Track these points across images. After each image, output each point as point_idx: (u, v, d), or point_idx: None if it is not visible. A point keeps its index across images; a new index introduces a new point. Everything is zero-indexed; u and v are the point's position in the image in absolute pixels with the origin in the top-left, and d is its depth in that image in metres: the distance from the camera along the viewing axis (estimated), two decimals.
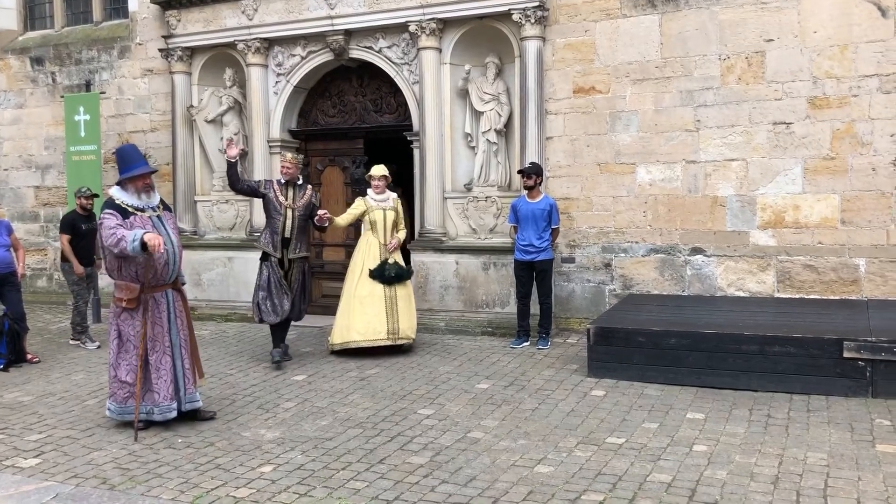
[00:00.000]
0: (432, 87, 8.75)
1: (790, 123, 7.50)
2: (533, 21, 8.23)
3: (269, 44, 9.67)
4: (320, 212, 7.37)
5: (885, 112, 7.17)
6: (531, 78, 8.34)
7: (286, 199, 7.33)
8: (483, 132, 8.75)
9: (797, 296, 7.54)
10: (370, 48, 9.19)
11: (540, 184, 7.81)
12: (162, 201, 5.68)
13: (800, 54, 7.45)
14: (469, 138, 8.88)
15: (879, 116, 7.20)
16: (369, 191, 7.80)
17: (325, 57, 9.46)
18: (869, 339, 5.84)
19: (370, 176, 7.79)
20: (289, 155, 7.56)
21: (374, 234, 7.66)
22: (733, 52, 7.69)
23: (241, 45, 9.66)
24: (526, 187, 7.81)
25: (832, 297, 7.39)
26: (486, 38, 8.73)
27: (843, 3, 7.26)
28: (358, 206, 7.73)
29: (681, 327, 6.47)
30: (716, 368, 6.20)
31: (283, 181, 7.41)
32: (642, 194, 8.15)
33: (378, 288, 7.54)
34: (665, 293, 8.04)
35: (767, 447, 4.89)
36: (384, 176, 7.74)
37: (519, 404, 5.96)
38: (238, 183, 7.31)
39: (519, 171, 8.01)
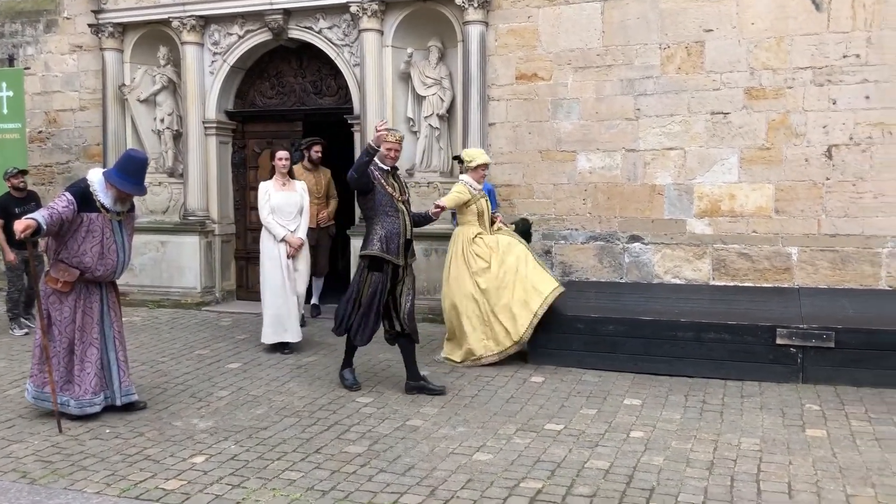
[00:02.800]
0: (374, 69, 8.61)
1: (727, 113, 7.60)
2: (476, 5, 8.15)
3: (206, 22, 9.37)
4: (439, 202, 6.33)
5: (818, 104, 7.32)
6: (474, 63, 8.26)
7: (395, 192, 5.92)
8: (425, 117, 8.65)
9: (732, 283, 7.67)
10: (310, 28, 8.99)
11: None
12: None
13: (738, 45, 7.55)
14: (411, 123, 8.77)
15: (813, 108, 7.35)
16: (467, 177, 6.77)
17: (263, 37, 9.21)
18: (800, 326, 5.98)
19: (485, 165, 6.81)
20: (398, 134, 6.08)
21: (480, 223, 6.79)
22: (673, 41, 7.75)
23: (175, 23, 9.34)
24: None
25: (766, 285, 7.54)
26: (429, 21, 8.61)
27: None
28: (462, 191, 6.65)
29: (618, 314, 6.52)
30: (652, 355, 6.27)
31: (386, 169, 5.94)
32: (583, 182, 8.17)
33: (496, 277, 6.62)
34: (604, 280, 8.09)
35: (703, 433, 4.96)
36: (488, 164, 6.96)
37: (458, 391, 5.92)
38: (364, 178, 5.74)
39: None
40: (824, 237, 7.39)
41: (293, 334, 7.16)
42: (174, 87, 9.76)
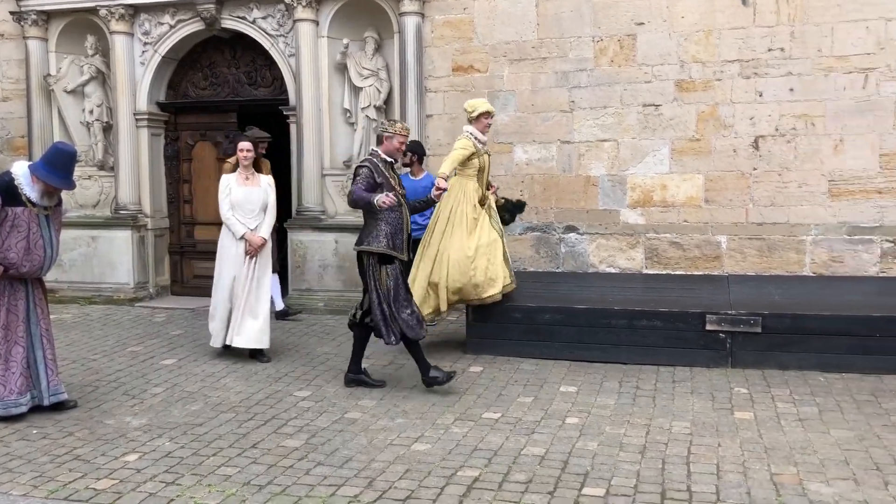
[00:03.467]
0: (309, 60, 8.52)
1: (659, 105, 7.77)
2: None
3: (135, 10, 9.12)
4: (440, 182, 5.82)
5: (745, 96, 7.53)
6: (410, 55, 8.25)
7: (396, 185, 5.74)
8: (362, 108, 8.61)
9: (664, 272, 7.86)
10: (243, 18, 8.84)
11: (420, 162, 7.76)
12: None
13: (668, 38, 7.71)
14: (348, 114, 8.72)
15: (740, 100, 7.56)
16: (472, 128, 6.37)
17: (195, 26, 9.02)
18: (729, 312, 6.16)
19: (487, 112, 6.36)
20: (400, 124, 5.94)
21: (479, 181, 6.50)
22: (606, 34, 7.87)
23: (103, 11, 9.07)
24: (405, 164, 7.74)
25: (696, 273, 7.74)
26: (364, 12, 8.56)
27: None
28: (466, 146, 6.21)
29: (555, 303, 6.62)
30: (587, 342, 6.38)
31: (390, 161, 5.78)
32: (519, 173, 8.25)
33: (496, 234, 6.49)
34: (541, 270, 8.19)
35: (636, 418, 5.07)
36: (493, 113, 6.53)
37: (398, 383, 5.93)
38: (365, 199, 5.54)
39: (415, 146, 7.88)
40: (752, 226, 7.62)
41: (247, 339, 6.46)
42: (103, 78, 9.49)
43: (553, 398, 5.50)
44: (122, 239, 9.26)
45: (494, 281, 6.41)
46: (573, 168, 8.08)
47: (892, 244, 7.29)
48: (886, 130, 7.21)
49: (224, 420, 5.15)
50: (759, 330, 6.05)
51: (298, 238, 8.69)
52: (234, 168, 6.77)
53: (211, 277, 9.46)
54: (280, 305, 8.16)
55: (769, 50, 7.45)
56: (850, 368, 5.86)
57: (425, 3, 8.29)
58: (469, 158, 6.28)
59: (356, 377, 5.85)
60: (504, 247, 6.56)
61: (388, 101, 8.58)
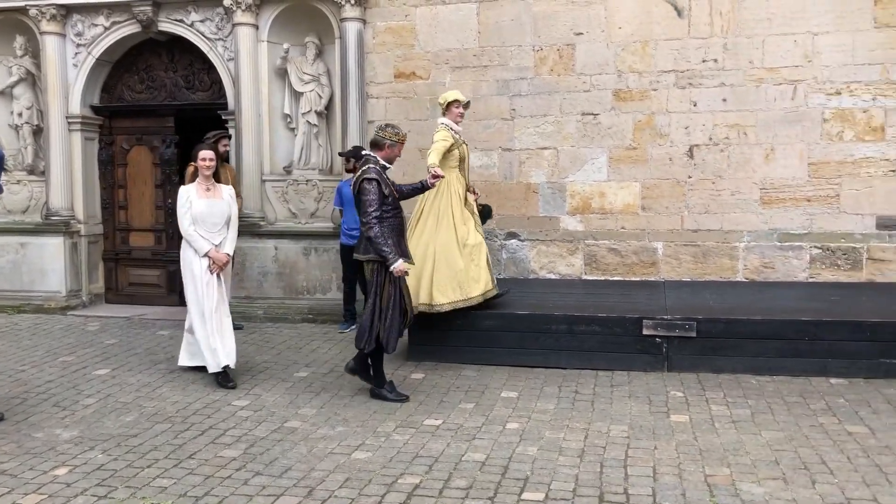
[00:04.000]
0: (249, 65, 8.42)
1: (597, 114, 7.89)
2: (353, 2, 8.11)
3: (67, 11, 8.88)
4: (436, 170, 5.78)
5: (680, 106, 7.71)
6: (352, 60, 8.22)
7: (394, 190, 5.68)
8: (303, 113, 8.54)
9: (602, 278, 7.98)
10: (181, 21, 8.68)
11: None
12: None
13: (606, 48, 7.85)
14: (289, 119, 8.64)
15: (675, 110, 7.74)
16: (446, 119, 6.37)
17: (131, 28, 8.83)
18: (665, 317, 6.29)
19: (456, 101, 6.36)
20: (403, 132, 5.87)
21: (461, 172, 6.45)
22: (546, 43, 7.97)
23: (33, 11, 8.81)
24: (347, 171, 7.71)
25: (634, 279, 7.88)
26: (305, 16, 8.50)
27: (644, 1, 7.71)
28: (446, 137, 6.19)
29: (496, 309, 6.65)
30: (528, 348, 6.43)
31: (389, 167, 5.71)
32: None
33: (482, 238, 6.46)
34: None
35: (575, 422, 5.14)
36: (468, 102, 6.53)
37: (338, 391, 5.88)
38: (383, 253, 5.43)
39: (340, 154, 7.91)
40: (687, 232, 7.80)
41: (223, 356, 6.00)
42: (33, 80, 9.22)
43: (494, 404, 5.53)
44: (54, 246, 8.99)
45: (477, 282, 6.38)
46: (514, 175, 8.15)
47: (821, 250, 7.54)
48: (814, 140, 7.47)
49: (159, 431, 5.04)
50: (693, 334, 6.19)
51: (237, 245, 8.53)
52: (194, 178, 6.22)
53: (148, 285, 9.38)
54: None
55: (703, 61, 7.65)
56: (781, 371, 6.04)
57: (367, 10, 8.27)
58: (449, 150, 6.26)
59: (380, 391, 5.68)
60: (486, 252, 6.54)
61: (329, 106, 8.53)
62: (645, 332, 6.27)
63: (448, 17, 8.16)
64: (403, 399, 5.60)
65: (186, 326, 6.28)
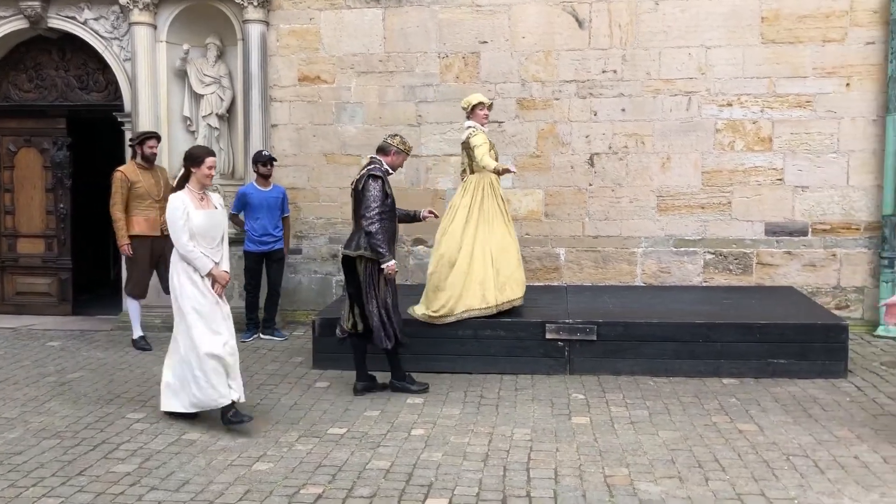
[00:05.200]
0: (146, 65, 8.13)
1: (502, 122, 8.00)
2: (256, 4, 7.96)
3: None
4: (511, 166, 6.32)
5: (581, 115, 7.91)
6: (254, 63, 8.06)
7: (392, 193, 5.87)
8: (204, 116, 8.31)
9: None
10: (73, 19, 8.31)
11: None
12: None
13: (510, 57, 7.97)
14: (188, 122, 8.39)
15: (577, 119, 7.92)
16: (474, 123, 6.40)
17: (18, 24, 8.39)
18: (567, 321, 6.41)
19: (481, 104, 6.41)
20: (410, 142, 6.15)
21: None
22: (452, 51, 8.02)
23: None
24: (266, 175, 7.54)
25: (537, 284, 8.00)
26: (206, 17, 8.28)
27: (546, 12, 7.87)
28: (484, 139, 6.30)
29: (402, 316, 6.60)
30: (435, 354, 6.43)
31: (391, 172, 5.91)
32: None
33: (514, 237, 6.53)
34: None
35: (479, 426, 5.17)
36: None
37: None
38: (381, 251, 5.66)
39: (264, 157, 7.58)
40: (588, 238, 7.99)
41: (237, 390, 5.20)
42: None
43: (400, 410, 5.51)
44: None
45: (522, 284, 6.54)
46: (421, 181, 8.17)
47: (714, 256, 7.86)
48: (707, 150, 7.79)
49: (47, 447, 4.79)
50: (594, 338, 6.33)
51: None
52: (182, 185, 5.26)
53: (37, 294, 8.91)
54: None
55: (603, 72, 7.86)
56: (677, 372, 6.25)
57: (270, 12, 8.13)
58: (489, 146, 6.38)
59: (367, 384, 5.87)
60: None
61: (230, 109, 8.34)
62: (548, 336, 6.38)
63: (353, 21, 8.11)
64: (425, 388, 5.87)
65: (178, 358, 5.22)
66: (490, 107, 6.57)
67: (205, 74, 8.24)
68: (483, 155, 6.23)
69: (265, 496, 4.08)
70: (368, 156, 6.11)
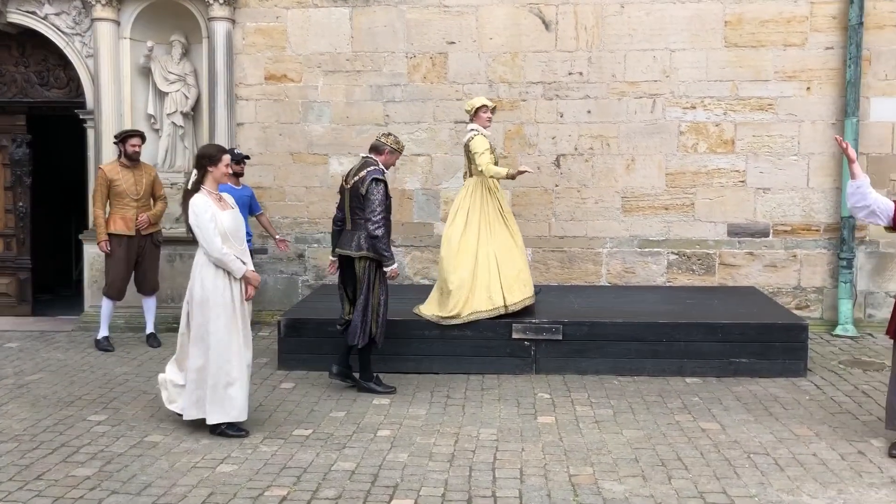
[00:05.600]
0: (109, 62, 8.00)
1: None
2: (222, 2, 7.87)
3: None
4: (523, 167, 6.52)
5: (548, 116, 7.95)
6: (220, 61, 7.98)
7: None
8: (168, 114, 8.20)
9: None
10: (33, 13, 8.15)
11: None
12: None
13: (478, 58, 7.99)
14: (153, 120, 8.28)
15: (543, 120, 7.96)
16: (477, 126, 6.46)
17: None
18: (533, 321, 6.45)
19: (484, 106, 6.46)
20: (402, 141, 6.22)
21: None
22: (419, 51, 8.02)
23: None
24: (238, 174, 7.44)
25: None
26: (171, 14, 8.17)
27: (514, 14, 7.90)
28: (485, 144, 6.36)
29: (408, 315, 6.60)
30: (402, 354, 6.42)
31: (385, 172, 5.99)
32: (335, 185, 8.13)
33: (518, 237, 6.62)
34: None
35: (446, 427, 5.18)
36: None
37: None
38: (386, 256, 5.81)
39: (237, 155, 7.48)
40: (554, 239, 8.04)
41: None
42: None
43: (366, 411, 5.50)
44: None
45: (528, 283, 6.56)
46: (389, 181, 8.11)
47: (677, 256, 7.96)
48: (671, 151, 7.89)
49: (4, 451, 4.70)
50: (560, 337, 6.38)
51: (95, 251, 8.09)
52: (198, 186, 5.00)
53: None
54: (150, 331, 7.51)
55: (569, 73, 7.91)
56: (641, 372, 6.32)
57: (236, 10, 8.06)
58: (490, 151, 6.44)
59: (343, 370, 5.97)
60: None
61: (196, 107, 8.24)
62: (514, 335, 6.41)
63: (321, 20, 8.07)
64: (391, 391, 5.86)
65: (195, 366, 5.00)
66: (494, 109, 6.63)
67: (169, 72, 8.14)
68: (487, 164, 6.30)
69: (229, 498, 4.05)
70: (362, 155, 6.12)
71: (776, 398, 5.73)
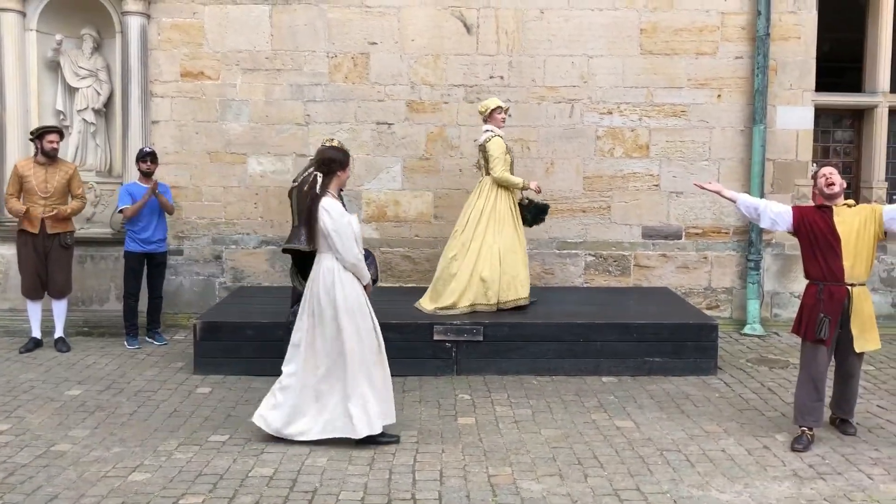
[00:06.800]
0: (14, 55, 7.66)
1: (391, 124, 8.00)
2: None
3: None
4: (533, 184, 6.98)
5: (470, 119, 7.99)
6: (134, 56, 7.74)
7: None
8: (79, 111, 7.93)
9: (397, 285, 8.09)
10: None
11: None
12: None
13: (400, 60, 7.98)
14: (62, 116, 7.98)
15: (465, 123, 8.01)
16: (492, 127, 6.78)
17: None
18: (454, 322, 6.49)
19: (499, 108, 6.79)
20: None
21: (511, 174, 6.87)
22: (341, 50, 7.96)
23: None
24: (148, 173, 7.21)
25: (426, 285, 8.01)
26: (81, 7, 7.88)
27: (435, 16, 7.93)
28: (501, 146, 6.69)
29: (288, 319, 6.51)
30: None
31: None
32: (253, 185, 8.07)
33: (522, 239, 6.90)
34: (276, 285, 8.06)
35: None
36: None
37: (115, 409, 5.50)
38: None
39: (148, 153, 7.25)
40: None
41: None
42: None
43: None
44: None
45: (525, 284, 6.81)
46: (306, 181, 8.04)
47: (594, 258, 8.14)
48: (588, 155, 8.05)
49: None
50: (480, 338, 6.43)
51: (0, 252, 7.77)
52: (324, 190, 4.89)
53: None
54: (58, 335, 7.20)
55: (490, 77, 7.99)
56: (559, 371, 6.43)
57: (151, 4, 7.83)
58: (505, 154, 6.73)
59: None
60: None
61: (108, 104, 7.98)
62: (436, 337, 6.43)
63: (239, 17, 7.92)
64: None
65: (319, 375, 4.87)
66: (507, 110, 6.95)
67: (80, 67, 7.86)
68: (502, 172, 6.68)
69: None
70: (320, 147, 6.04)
71: (688, 396, 5.93)
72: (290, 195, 6.22)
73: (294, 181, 6.15)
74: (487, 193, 6.79)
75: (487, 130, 6.81)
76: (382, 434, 4.86)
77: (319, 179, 4.92)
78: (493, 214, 6.75)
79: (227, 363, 6.35)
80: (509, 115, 7.08)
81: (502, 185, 6.76)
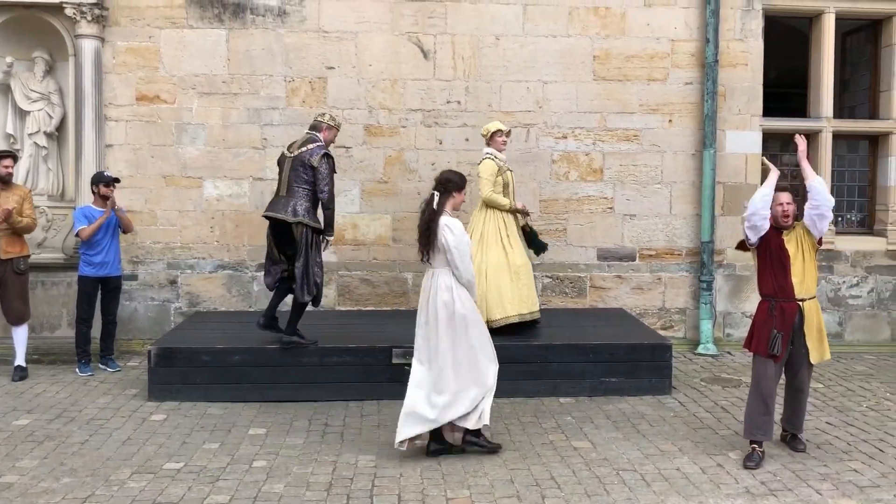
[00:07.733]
0: None
1: (349, 148, 8.02)
2: (90, 19, 7.58)
3: None
4: (519, 205, 7.11)
5: (427, 143, 8.07)
6: (88, 80, 7.66)
7: None
8: (30, 134, 7.81)
9: (355, 308, 8.08)
10: None
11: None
12: None
13: (357, 84, 8.03)
14: (12, 140, 7.85)
15: (423, 147, 8.08)
16: (491, 150, 6.87)
17: None
18: (412, 345, 6.47)
19: (499, 131, 6.88)
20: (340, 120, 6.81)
21: (506, 195, 6.87)
22: (298, 75, 7.98)
23: None
24: (105, 196, 7.10)
25: (385, 308, 8.06)
26: (33, 29, 7.80)
27: (392, 41, 8.00)
28: (490, 167, 6.76)
29: (244, 343, 6.49)
30: (279, 382, 6.33)
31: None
32: (210, 209, 8.01)
33: (526, 259, 6.90)
34: (232, 310, 7.99)
35: (324, 455, 5.13)
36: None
37: (66, 438, 5.38)
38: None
39: (106, 178, 7.14)
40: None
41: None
42: None
43: (241, 442, 5.37)
44: None
45: (521, 302, 6.75)
46: (265, 204, 8.00)
47: (551, 279, 8.23)
48: (544, 179, 8.17)
49: None
50: None
51: None
52: (441, 209, 5.21)
53: None
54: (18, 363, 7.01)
55: (448, 102, 8.07)
56: (518, 393, 6.45)
57: (106, 28, 7.77)
58: (495, 176, 6.78)
59: (269, 321, 6.53)
60: (531, 274, 6.96)
61: (61, 127, 7.88)
62: (394, 360, 6.42)
63: (196, 41, 7.90)
64: (314, 341, 6.39)
65: (476, 393, 5.17)
66: (508, 133, 7.03)
67: (31, 90, 7.76)
68: (488, 193, 6.75)
69: None
70: (306, 131, 6.49)
71: (643, 415, 6.01)
72: (279, 163, 6.54)
73: (288, 149, 6.42)
74: (478, 214, 6.90)
75: (486, 153, 6.92)
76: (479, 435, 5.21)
77: (436, 198, 5.15)
78: (483, 235, 6.82)
79: (183, 389, 6.27)
80: (510, 139, 7.12)
81: (491, 206, 6.84)
